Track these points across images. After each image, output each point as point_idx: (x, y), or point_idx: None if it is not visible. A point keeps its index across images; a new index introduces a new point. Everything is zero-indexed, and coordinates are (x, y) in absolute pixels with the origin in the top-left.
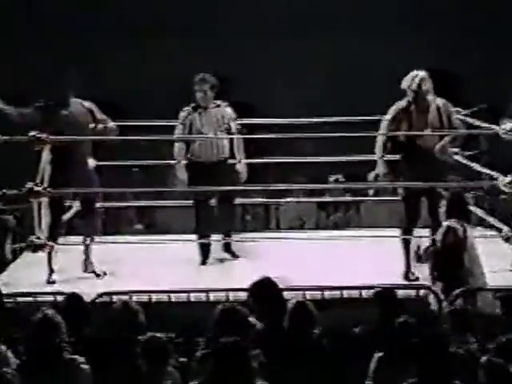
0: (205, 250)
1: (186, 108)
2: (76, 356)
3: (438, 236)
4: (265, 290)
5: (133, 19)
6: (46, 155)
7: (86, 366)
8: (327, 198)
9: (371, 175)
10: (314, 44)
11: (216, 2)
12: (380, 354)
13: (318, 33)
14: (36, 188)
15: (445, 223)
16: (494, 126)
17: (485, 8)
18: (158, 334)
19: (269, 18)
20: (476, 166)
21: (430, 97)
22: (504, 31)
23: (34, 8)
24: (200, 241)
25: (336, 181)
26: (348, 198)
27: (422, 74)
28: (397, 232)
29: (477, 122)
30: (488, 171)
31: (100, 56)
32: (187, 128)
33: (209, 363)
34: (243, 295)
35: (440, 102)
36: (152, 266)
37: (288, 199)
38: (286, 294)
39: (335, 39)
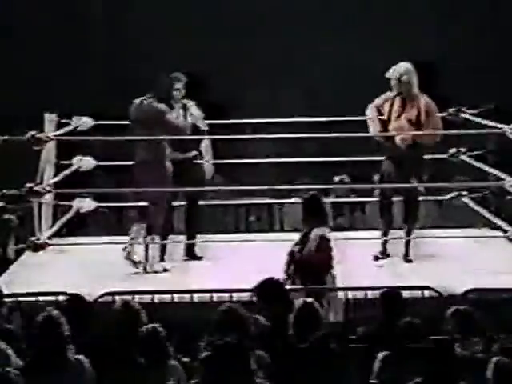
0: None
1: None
2: (79, 356)
3: (312, 242)
4: (270, 290)
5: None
6: (45, 154)
7: (88, 366)
8: (331, 199)
9: (376, 177)
10: (312, 43)
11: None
12: (384, 353)
13: (314, 32)
14: (36, 188)
15: (317, 231)
16: (501, 126)
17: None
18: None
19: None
20: (483, 166)
21: (415, 90)
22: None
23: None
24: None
25: (341, 181)
26: (353, 200)
27: (403, 64)
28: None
29: (484, 122)
30: (495, 171)
31: None
32: None
33: (207, 363)
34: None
35: (424, 99)
36: None
37: (291, 200)
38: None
39: (333, 39)
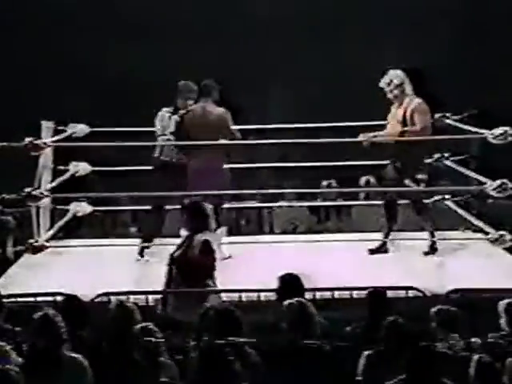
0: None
1: (165, 110)
2: (76, 354)
3: (196, 247)
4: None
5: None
6: (42, 160)
7: (85, 363)
8: (318, 203)
9: (362, 180)
10: (304, 49)
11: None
12: (369, 352)
13: (306, 38)
14: (34, 192)
15: (200, 236)
16: (483, 131)
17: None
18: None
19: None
20: (465, 171)
21: (407, 93)
22: (494, 35)
23: None
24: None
25: (328, 186)
26: (339, 203)
27: (391, 72)
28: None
29: (467, 127)
30: (477, 176)
31: None
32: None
33: (195, 364)
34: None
35: (413, 102)
36: None
37: (280, 203)
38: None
39: (325, 45)
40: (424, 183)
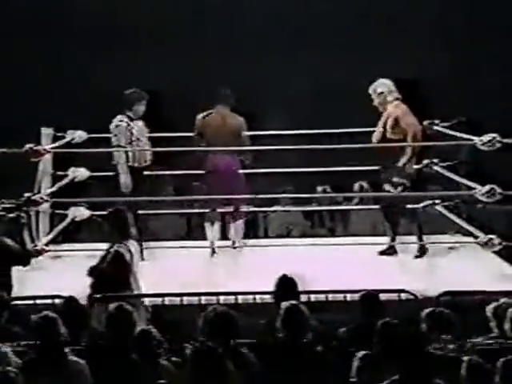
0: None
1: (123, 118)
2: (75, 357)
3: (109, 257)
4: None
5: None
6: (42, 166)
7: (85, 366)
8: (313, 207)
9: (356, 186)
10: (292, 58)
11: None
12: (363, 353)
13: (295, 47)
14: (33, 197)
15: (116, 246)
16: (471, 138)
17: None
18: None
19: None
20: (454, 177)
21: (392, 102)
22: (482, 43)
23: None
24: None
25: (323, 191)
26: (333, 208)
27: (378, 80)
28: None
29: (456, 134)
30: (466, 181)
31: None
32: (128, 136)
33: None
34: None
35: (396, 110)
36: None
37: (274, 208)
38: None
39: (314, 54)
40: (402, 186)
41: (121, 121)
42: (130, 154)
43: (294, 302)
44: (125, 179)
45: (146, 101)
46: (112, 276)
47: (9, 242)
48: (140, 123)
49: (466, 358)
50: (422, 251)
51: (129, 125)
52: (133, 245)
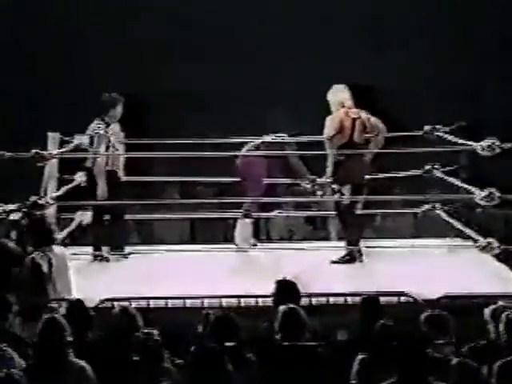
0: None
1: (100, 124)
2: (79, 360)
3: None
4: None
5: None
6: (48, 170)
7: (89, 368)
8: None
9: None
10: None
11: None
12: (362, 355)
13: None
14: (40, 201)
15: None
16: (471, 143)
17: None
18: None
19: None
20: (455, 181)
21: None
22: (481, 48)
23: None
24: None
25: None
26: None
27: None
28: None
29: (456, 139)
30: (466, 186)
31: None
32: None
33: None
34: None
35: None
36: None
37: (276, 212)
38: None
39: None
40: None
41: (99, 127)
42: (108, 159)
43: (291, 305)
44: (102, 186)
45: (122, 104)
46: (27, 284)
47: (10, 244)
48: (117, 127)
49: (459, 361)
50: (351, 256)
51: (107, 132)
52: (54, 252)
